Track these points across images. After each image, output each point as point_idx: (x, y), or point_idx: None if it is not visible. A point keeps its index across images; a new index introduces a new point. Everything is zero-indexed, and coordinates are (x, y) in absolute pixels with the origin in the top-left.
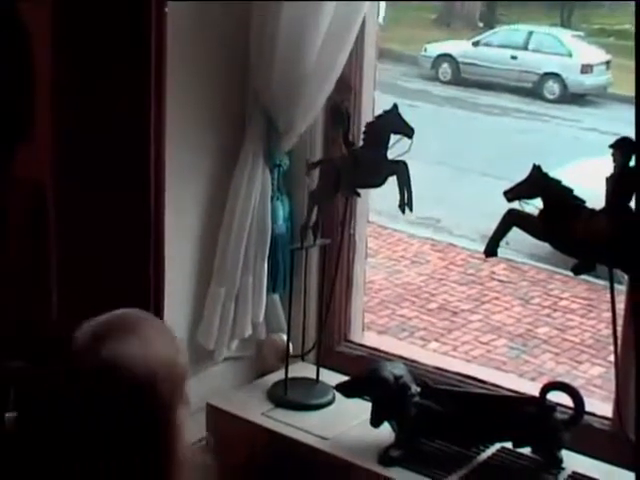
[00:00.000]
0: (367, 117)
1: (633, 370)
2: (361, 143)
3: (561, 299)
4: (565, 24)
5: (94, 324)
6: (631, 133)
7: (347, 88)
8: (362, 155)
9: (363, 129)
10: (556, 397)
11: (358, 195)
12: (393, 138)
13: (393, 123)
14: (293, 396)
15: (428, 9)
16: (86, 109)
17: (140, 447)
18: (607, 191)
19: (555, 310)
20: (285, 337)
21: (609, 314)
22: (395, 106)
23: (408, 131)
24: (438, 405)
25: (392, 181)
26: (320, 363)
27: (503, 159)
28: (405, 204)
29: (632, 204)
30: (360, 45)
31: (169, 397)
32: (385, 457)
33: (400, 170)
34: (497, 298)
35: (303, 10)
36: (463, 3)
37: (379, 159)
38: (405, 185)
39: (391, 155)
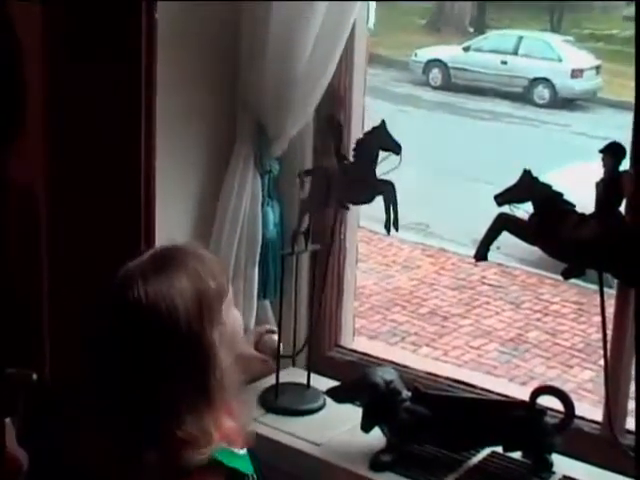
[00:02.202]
0: (357, 123)
1: (623, 374)
2: (352, 159)
3: (552, 303)
4: (555, 29)
5: (127, 267)
6: (619, 137)
7: (339, 100)
8: (352, 170)
9: (353, 145)
10: (546, 401)
11: (347, 209)
12: (382, 155)
13: (380, 139)
14: (284, 402)
15: (418, 14)
16: (78, 112)
17: (177, 365)
18: (597, 196)
19: (546, 314)
20: (276, 337)
21: (599, 318)
22: (383, 122)
23: (395, 148)
24: (429, 410)
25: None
26: (311, 368)
27: (493, 164)
28: (391, 224)
29: (622, 209)
30: (350, 50)
31: (199, 322)
32: (376, 462)
33: (387, 190)
34: (488, 303)
35: (293, 14)
36: (453, 7)
37: (368, 176)
38: (392, 205)
39: (385, 168)
